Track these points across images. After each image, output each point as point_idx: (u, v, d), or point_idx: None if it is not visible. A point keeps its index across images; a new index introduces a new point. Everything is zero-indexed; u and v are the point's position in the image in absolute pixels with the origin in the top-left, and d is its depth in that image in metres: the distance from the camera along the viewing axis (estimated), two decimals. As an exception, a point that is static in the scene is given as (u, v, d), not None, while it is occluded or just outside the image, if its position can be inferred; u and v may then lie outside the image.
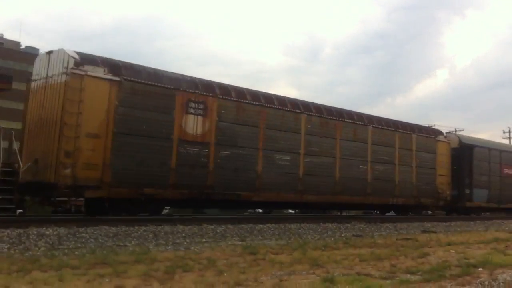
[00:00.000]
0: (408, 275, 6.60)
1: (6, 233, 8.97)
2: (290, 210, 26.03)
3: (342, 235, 13.23)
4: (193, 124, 14.05)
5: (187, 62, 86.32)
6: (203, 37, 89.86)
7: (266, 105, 16.03)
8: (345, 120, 18.71)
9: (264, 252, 8.50)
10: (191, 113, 14.05)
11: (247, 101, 15.50)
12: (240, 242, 10.34)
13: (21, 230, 9.32)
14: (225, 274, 6.29)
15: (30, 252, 7.83)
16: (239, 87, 15.94)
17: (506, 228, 18.28)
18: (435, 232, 15.24)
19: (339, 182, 18.04)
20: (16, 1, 73.29)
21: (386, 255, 8.57)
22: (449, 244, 10.98)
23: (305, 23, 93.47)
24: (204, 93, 14.40)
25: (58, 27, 75.06)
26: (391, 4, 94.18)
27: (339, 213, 24.78)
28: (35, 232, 9.31)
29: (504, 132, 52.23)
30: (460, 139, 25.08)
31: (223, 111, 14.77)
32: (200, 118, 14.20)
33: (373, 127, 19.72)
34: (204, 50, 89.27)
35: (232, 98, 15.08)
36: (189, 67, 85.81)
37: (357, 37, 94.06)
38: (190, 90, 14.09)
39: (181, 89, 13.88)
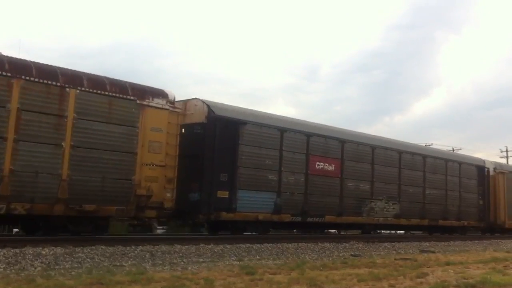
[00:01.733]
0: (407, 296, 6.57)
1: (2, 253, 8.91)
2: None
3: (340, 254, 13.18)
4: None
5: (186, 81, 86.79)
6: (202, 56, 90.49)
7: None
8: None
9: (261, 272, 8.45)
10: None
11: None
12: (238, 262, 10.28)
13: (17, 250, 9.26)
14: (222, 294, 6.24)
15: (26, 272, 7.77)
16: None
17: (504, 248, 18.25)
18: (433, 252, 15.19)
19: None
20: (16, 21, 73.91)
21: (384, 275, 8.52)
22: (447, 264, 10.94)
23: (304, 42, 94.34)
24: None
25: (57, 46, 75.59)
26: (389, 23, 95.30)
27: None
28: (31, 252, 9.24)
29: (501, 151, 51.59)
30: (210, 109, 14.85)
31: None
32: None
33: None
34: (203, 69, 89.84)
35: None
36: (187, 86, 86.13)
37: (355, 56, 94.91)
38: None
39: None
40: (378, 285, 7.46)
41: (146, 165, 12.89)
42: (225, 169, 14.85)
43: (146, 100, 13.04)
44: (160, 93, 13.50)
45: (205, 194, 14.40)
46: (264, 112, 17.26)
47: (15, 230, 16.63)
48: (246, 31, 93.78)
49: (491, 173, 25.91)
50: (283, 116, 17.92)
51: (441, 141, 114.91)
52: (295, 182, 16.66)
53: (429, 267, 10.37)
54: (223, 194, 14.76)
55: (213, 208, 14.45)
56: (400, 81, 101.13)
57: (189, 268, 9.07)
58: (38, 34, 76.60)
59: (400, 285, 7.49)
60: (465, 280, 8.06)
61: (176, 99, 14.03)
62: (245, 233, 15.77)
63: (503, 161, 47.39)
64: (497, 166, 26.75)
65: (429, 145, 36.46)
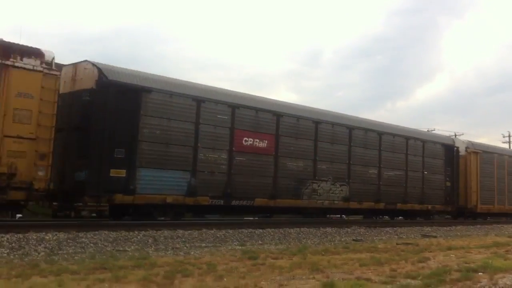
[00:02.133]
0: (408, 280, 6.61)
1: (5, 238, 8.96)
2: None
3: (342, 239, 13.25)
4: None
5: (187, 66, 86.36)
6: (203, 41, 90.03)
7: None
8: None
9: (264, 256, 8.50)
10: None
11: None
12: (240, 247, 10.34)
13: (20, 235, 9.30)
14: (225, 279, 6.29)
15: (29, 257, 7.82)
16: None
17: (506, 233, 18.31)
18: (435, 236, 15.26)
19: None
20: (18, 7, 73.51)
21: (386, 260, 8.56)
22: (449, 249, 11.00)
23: (305, 28, 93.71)
24: None
25: (58, 32, 75.21)
26: (391, 8, 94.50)
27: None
28: (34, 237, 9.29)
29: (504, 137, 51.25)
30: (101, 73, 12.46)
31: None
32: None
33: None
34: (204, 54, 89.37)
35: None
36: (189, 71, 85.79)
37: (357, 41, 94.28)
38: None
39: None
40: (379, 269, 7.49)
41: (9, 137, 10.63)
42: (121, 144, 12.48)
43: (11, 59, 10.65)
44: (32, 52, 11.03)
45: (93, 173, 12.04)
46: (176, 79, 14.62)
47: (18, 215, 16.71)
48: (248, 17, 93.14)
49: (462, 152, 23.56)
50: (201, 84, 15.16)
51: (444, 126, 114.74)
52: (215, 160, 14.32)
53: (430, 251, 10.42)
54: (119, 173, 12.41)
55: (104, 190, 12.13)
56: (402, 67, 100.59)
57: (192, 253, 9.12)
58: (39, 20, 76.23)
59: (402, 269, 7.52)
60: (467, 265, 8.10)
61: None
62: (159, 219, 13.48)
63: (506, 146, 47.15)
64: (469, 145, 24.35)
65: (432, 130, 36.34)
